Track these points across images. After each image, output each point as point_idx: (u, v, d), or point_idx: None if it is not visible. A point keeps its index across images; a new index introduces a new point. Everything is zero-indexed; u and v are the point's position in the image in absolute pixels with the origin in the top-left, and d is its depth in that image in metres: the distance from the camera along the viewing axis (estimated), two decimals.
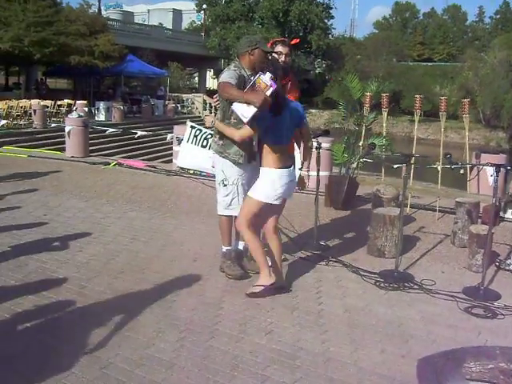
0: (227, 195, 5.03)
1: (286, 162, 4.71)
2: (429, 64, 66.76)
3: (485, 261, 5.17)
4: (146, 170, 11.24)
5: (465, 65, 53.39)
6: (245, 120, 4.49)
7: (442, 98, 8.27)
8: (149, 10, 79.17)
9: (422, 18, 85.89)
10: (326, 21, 54.83)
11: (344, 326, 4.31)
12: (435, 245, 6.67)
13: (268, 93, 4.39)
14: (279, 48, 5.22)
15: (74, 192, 8.73)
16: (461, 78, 52.72)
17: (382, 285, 5.20)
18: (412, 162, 5.61)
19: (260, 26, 51.99)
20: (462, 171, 8.11)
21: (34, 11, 26.73)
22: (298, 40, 6.20)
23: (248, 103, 4.41)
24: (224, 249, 5.30)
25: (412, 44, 76.09)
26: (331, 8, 55.32)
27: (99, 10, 41.03)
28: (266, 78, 4.41)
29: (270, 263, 4.84)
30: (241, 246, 5.36)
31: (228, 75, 4.79)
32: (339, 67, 56.26)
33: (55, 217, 7.13)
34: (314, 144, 6.18)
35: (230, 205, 5.05)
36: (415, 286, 5.18)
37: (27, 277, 4.99)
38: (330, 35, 58.27)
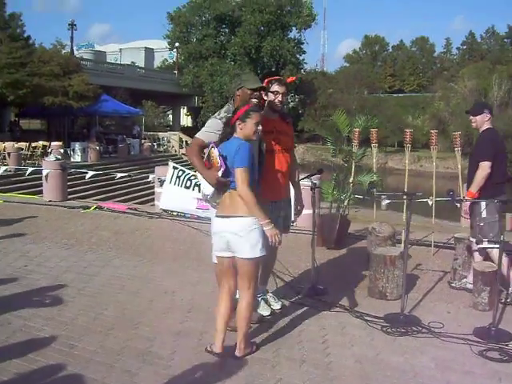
0: None
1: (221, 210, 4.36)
2: (400, 95, 67.89)
3: (495, 300, 4.95)
4: (128, 213, 10.90)
5: (436, 95, 54.41)
6: (205, 198, 4.44)
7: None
8: (121, 49, 79.53)
9: (391, 50, 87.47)
10: (297, 56, 55.52)
11: (356, 379, 4.04)
12: (436, 283, 6.45)
13: (219, 173, 4.17)
14: (275, 87, 5.03)
15: (55, 239, 8.35)
16: (432, 108, 53.68)
17: (389, 330, 4.93)
18: (408, 198, 5.39)
19: (233, 63, 52.33)
20: (457, 205, 8.00)
21: (7, 53, 26.45)
22: (294, 78, 6.04)
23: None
24: None
25: (383, 76, 77.35)
26: (302, 43, 56.12)
27: (72, 50, 40.95)
28: (216, 153, 4.20)
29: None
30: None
31: (208, 128, 4.66)
32: (312, 101, 56.83)
33: (36, 267, 6.76)
34: (309, 183, 5.98)
35: None
36: (424, 330, 4.93)
37: (11, 337, 4.61)
38: (302, 70, 58.93)
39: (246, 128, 4.27)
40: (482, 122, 5.92)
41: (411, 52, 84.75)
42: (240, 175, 4.10)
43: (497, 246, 5.51)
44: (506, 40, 79.52)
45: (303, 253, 7.27)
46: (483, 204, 5.67)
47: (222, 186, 4.23)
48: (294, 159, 5.39)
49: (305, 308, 5.49)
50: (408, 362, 4.30)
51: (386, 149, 48.08)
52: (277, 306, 5.33)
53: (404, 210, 8.00)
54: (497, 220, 5.72)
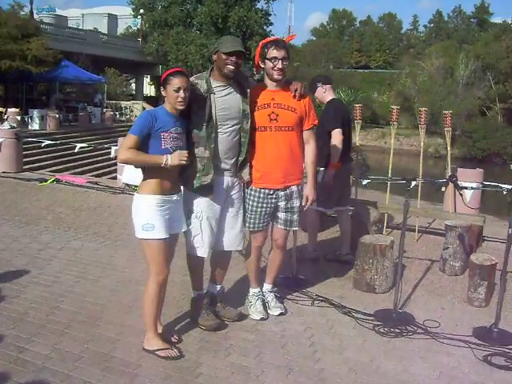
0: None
1: None
2: (366, 71, 67.58)
3: (500, 298, 4.47)
4: (88, 187, 10.15)
5: (403, 72, 54.20)
6: None
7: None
8: (83, 15, 76.87)
9: (358, 25, 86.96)
10: (265, 27, 54.44)
11: None
12: (424, 273, 5.99)
13: None
14: (272, 52, 4.23)
15: (7, 216, 7.60)
16: (398, 84, 53.49)
17: (381, 330, 4.43)
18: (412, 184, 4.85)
19: (198, 32, 51.01)
20: (443, 189, 7.54)
21: None
22: (294, 35, 5.16)
23: None
24: (194, 294, 4.41)
25: (349, 51, 76.85)
26: (270, 15, 54.88)
27: (31, 12, 39.03)
28: None
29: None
30: (216, 289, 4.48)
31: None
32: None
33: None
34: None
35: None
36: (419, 330, 4.44)
37: None
38: None
39: (168, 95, 3.80)
40: (322, 95, 6.01)
41: (378, 28, 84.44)
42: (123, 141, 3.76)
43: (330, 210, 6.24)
44: (472, 20, 79.84)
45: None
46: (321, 171, 5.80)
47: None
48: (310, 140, 4.48)
49: (287, 302, 4.94)
50: (408, 371, 3.80)
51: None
52: (275, 311, 4.62)
53: (388, 190, 7.49)
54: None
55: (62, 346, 3.90)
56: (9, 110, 22.50)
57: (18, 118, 21.50)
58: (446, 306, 5.08)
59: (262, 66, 4.33)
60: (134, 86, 58.17)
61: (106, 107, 35.04)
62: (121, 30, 73.17)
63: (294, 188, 4.42)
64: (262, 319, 4.48)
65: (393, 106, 7.62)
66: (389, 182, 7.23)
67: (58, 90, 33.87)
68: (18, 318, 4.34)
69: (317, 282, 5.48)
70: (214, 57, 4.05)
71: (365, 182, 7.77)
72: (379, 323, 4.52)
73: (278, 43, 4.28)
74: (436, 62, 50.19)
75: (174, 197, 3.90)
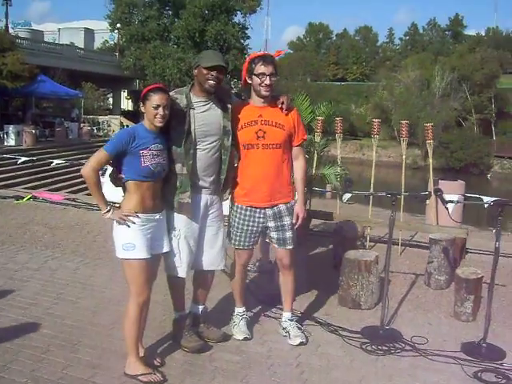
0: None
1: None
2: (343, 83, 68.14)
3: (488, 312, 4.41)
4: (66, 204, 9.95)
5: (380, 84, 54.74)
6: None
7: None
8: (59, 29, 76.48)
9: (335, 38, 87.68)
10: (242, 41, 54.59)
11: None
12: (409, 288, 5.92)
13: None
14: (260, 68, 4.09)
15: None
16: (376, 96, 54.00)
17: (369, 348, 4.34)
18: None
19: (176, 46, 50.96)
20: (427, 202, 7.51)
21: None
22: (282, 51, 5.02)
23: None
24: (176, 315, 4.28)
25: (326, 64, 77.40)
26: (247, 28, 55.11)
27: (6, 27, 38.71)
28: None
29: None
30: (199, 309, 4.35)
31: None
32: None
33: None
34: None
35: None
36: (407, 347, 4.36)
37: None
38: (246, 55, 58.04)
39: (147, 111, 3.72)
40: None
41: (355, 41, 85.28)
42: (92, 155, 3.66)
43: None
44: (446, 32, 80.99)
45: (257, 253, 6.57)
46: None
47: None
48: (299, 157, 4.35)
49: (268, 319, 4.85)
50: None
51: (333, 137, 47.84)
52: (295, 340, 4.33)
53: (370, 204, 7.43)
54: None
55: (39, 373, 3.74)
56: None
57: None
58: (433, 321, 5.01)
59: (250, 81, 4.21)
60: (111, 100, 57.89)
61: (83, 122, 34.79)
62: (98, 44, 72.96)
63: (283, 206, 4.30)
64: (245, 339, 4.37)
65: (374, 120, 7.58)
66: (371, 196, 7.17)
67: (34, 105, 33.51)
68: None
69: (300, 298, 5.37)
70: (195, 71, 3.95)
71: (345, 198, 7.68)
72: (366, 341, 4.43)
73: (266, 59, 4.15)
74: (412, 74, 50.81)
75: (157, 215, 3.79)
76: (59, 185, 17.71)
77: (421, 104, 47.13)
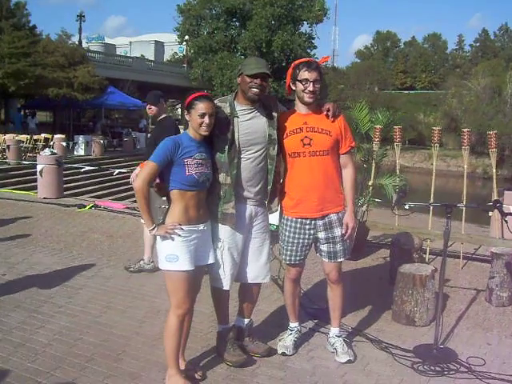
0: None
1: None
2: (411, 92, 66.82)
3: None
4: (126, 212, 10.08)
5: (448, 92, 53.34)
6: None
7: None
8: (131, 42, 78.87)
9: (403, 46, 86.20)
10: (308, 51, 54.48)
11: None
12: (469, 304, 5.61)
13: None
14: (304, 74, 3.97)
15: (42, 243, 7.57)
16: (445, 105, 52.61)
17: (421, 368, 4.10)
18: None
19: (243, 57, 51.38)
20: (490, 213, 7.16)
21: (8, 42, 25.55)
22: (327, 58, 4.86)
23: None
24: (219, 328, 4.19)
25: (394, 73, 76.14)
26: (313, 38, 55.00)
27: (80, 41, 40.16)
28: None
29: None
30: (244, 323, 4.25)
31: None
32: (323, 97, 55.77)
33: (15, 277, 6.00)
34: None
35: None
36: (462, 369, 4.10)
37: None
38: None
39: (192, 120, 3.66)
40: (160, 110, 6.21)
41: (423, 48, 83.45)
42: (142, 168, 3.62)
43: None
44: None
45: (316, 265, 6.42)
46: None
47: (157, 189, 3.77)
48: (348, 164, 4.19)
49: (317, 334, 4.69)
50: None
51: (397, 146, 47.00)
52: (342, 358, 4.15)
53: (430, 215, 7.14)
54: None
55: (81, 382, 3.73)
56: (55, 136, 22.91)
57: (64, 143, 21.83)
58: (493, 341, 4.70)
59: (293, 88, 4.10)
60: (179, 111, 58.97)
61: (151, 132, 35.46)
62: (167, 56, 74.57)
63: (334, 216, 4.14)
64: (283, 354, 4.23)
65: (434, 127, 7.30)
66: (431, 207, 6.89)
67: (103, 116, 34.49)
68: (40, 350, 4.22)
69: (353, 313, 5.18)
70: (238, 79, 3.87)
71: (399, 211, 7.40)
72: (418, 360, 4.20)
73: (310, 65, 4.01)
74: (483, 81, 49.22)
75: (201, 226, 3.72)
76: (123, 194, 18.01)
77: (492, 112, 45.55)
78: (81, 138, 25.10)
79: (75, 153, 24.45)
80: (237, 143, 3.81)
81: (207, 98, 3.68)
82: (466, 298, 5.80)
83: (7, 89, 26.09)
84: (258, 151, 3.90)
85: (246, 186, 3.91)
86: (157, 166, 3.55)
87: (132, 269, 6.30)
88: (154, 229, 3.58)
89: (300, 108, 4.10)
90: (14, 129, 26.50)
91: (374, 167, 7.16)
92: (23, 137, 21.95)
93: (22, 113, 34.21)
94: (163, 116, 6.21)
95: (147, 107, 6.27)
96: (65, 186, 12.96)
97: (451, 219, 4.33)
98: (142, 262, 6.35)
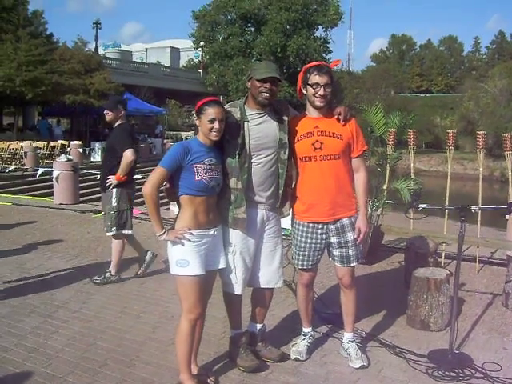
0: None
1: None
2: (427, 95, 66.49)
3: None
4: (141, 218, 10.12)
5: (465, 95, 52.96)
6: None
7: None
8: (147, 49, 79.45)
9: (418, 49, 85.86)
10: (324, 55, 54.39)
11: None
12: (485, 308, 5.54)
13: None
14: (315, 79, 3.94)
15: (57, 248, 7.63)
16: (461, 108, 52.23)
17: (435, 373, 4.05)
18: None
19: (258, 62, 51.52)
20: (507, 217, 7.08)
21: (25, 50, 25.85)
22: (339, 61, 4.82)
23: None
24: (232, 333, 4.18)
25: (410, 76, 75.91)
26: (329, 42, 54.96)
27: (96, 48, 40.53)
28: None
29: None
30: (256, 328, 4.23)
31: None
32: (338, 101, 55.67)
33: (31, 282, 6.04)
34: None
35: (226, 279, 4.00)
36: (478, 374, 4.04)
37: None
38: None
39: (202, 125, 3.67)
40: (117, 116, 6.20)
41: (439, 51, 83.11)
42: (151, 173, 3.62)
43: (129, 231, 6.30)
44: None
45: (330, 269, 6.37)
46: (114, 193, 6.11)
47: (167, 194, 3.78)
48: (360, 168, 4.16)
49: (330, 339, 4.65)
50: None
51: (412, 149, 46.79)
52: (356, 363, 4.12)
53: (445, 218, 7.07)
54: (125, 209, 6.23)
55: None
56: (71, 142, 23.08)
57: (80, 150, 21.98)
58: (509, 346, 4.63)
59: (304, 92, 4.08)
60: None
61: (167, 138, 35.63)
62: (183, 62, 74.93)
63: (346, 221, 4.11)
64: (296, 359, 4.20)
65: (449, 131, 7.23)
66: (447, 211, 6.82)
67: None
68: (53, 354, 4.24)
69: (368, 318, 5.14)
70: (248, 84, 3.86)
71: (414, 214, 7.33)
72: (433, 365, 4.15)
73: (321, 69, 3.99)
74: (499, 83, 48.79)
75: (212, 231, 3.71)
76: (138, 200, 18.03)
77: (509, 114, 45.10)
78: (97, 144, 25.27)
79: (92, 159, 24.62)
80: (247, 148, 3.80)
81: (217, 103, 3.69)
82: (482, 302, 5.73)
83: (24, 96, 26.35)
84: (268, 155, 3.89)
85: (257, 190, 3.90)
86: (166, 172, 3.55)
87: (98, 281, 6.10)
88: (163, 234, 3.57)
89: (311, 112, 4.08)
90: (40, 136, 26.73)
91: (388, 171, 7.11)
92: (40, 143, 22.15)
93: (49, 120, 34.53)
94: (119, 122, 6.23)
95: (104, 112, 6.28)
96: (81, 192, 13.05)
97: (466, 222, 4.29)
98: (108, 273, 6.20)
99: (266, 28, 50.61)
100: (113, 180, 6.08)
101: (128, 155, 6.02)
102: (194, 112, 3.85)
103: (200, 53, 58.56)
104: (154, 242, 8.11)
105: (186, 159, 3.57)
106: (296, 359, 4.20)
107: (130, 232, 6.36)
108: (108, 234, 6.26)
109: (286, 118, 3.98)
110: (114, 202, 6.13)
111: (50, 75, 26.07)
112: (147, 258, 6.44)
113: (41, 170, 14.94)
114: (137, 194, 17.73)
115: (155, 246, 7.87)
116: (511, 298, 5.50)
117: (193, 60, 69.62)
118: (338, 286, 4.50)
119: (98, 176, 12.13)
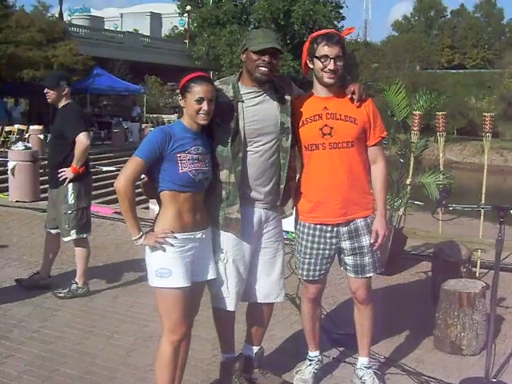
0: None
1: None
2: (460, 71, 66.65)
3: None
4: (115, 218, 10.15)
5: (505, 71, 53.15)
6: None
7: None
8: (122, 14, 79.47)
9: (449, 16, 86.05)
10: (335, 22, 54.39)
11: None
12: None
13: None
14: (323, 50, 3.91)
15: (13, 255, 7.70)
16: (501, 87, 52.42)
17: None
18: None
19: None
20: None
21: None
22: (352, 29, 4.80)
23: None
24: (223, 357, 4.19)
25: (439, 48, 76.01)
26: (341, 7, 54.96)
27: (60, 14, 40.42)
28: None
29: None
30: (253, 351, 4.24)
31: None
32: (353, 77, 55.80)
33: None
34: None
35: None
36: None
37: None
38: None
39: (187, 106, 3.66)
40: (60, 95, 6.14)
41: (474, 19, 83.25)
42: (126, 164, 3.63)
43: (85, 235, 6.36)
44: None
45: (342, 280, 6.40)
46: (70, 189, 6.06)
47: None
48: (378, 159, 4.16)
49: (342, 365, 4.68)
50: None
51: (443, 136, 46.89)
52: None
53: (481, 220, 7.09)
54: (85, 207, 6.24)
55: None
56: (31, 127, 23.05)
57: (41, 136, 21.94)
58: None
59: (311, 66, 4.07)
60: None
61: (146, 122, 35.64)
62: (165, 30, 74.88)
63: (361, 222, 4.12)
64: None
65: (486, 114, 7.24)
66: (482, 210, 6.85)
67: (88, 103, 34.61)
68: (7, 383, 4.24)
69: (387, 339, 5.16)
70: (243, 56, 3.86)
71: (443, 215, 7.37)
72: None
73: (331, 38, 3.95)
74: None
75: (199, 234, 3.71)
76: (112, 197, 18.03)
77: None
78: None
79: None
80: (242, 133, 3.80)
81: (206, 79, 3.69)
82: None
83: None
84: (267, 143, 3.89)
85: (254, 185, 3.90)
86: (143, 162, 3.54)
87: (62, 294, 6.10)
88: (140, 237, 3.57)
89: (319, 90, 4.07)
90: None
91: (412, 162, 7.14)
92: None
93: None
94: (65, 102, 6.18)
95: (45, 91, 6.16)
96: (42, 187, 13.01)
97: (506, 225, 4.30)
98: (74, 285, 6.20)
99: None
100: (68, 173, 6.01)
101: (83, 140, 5.97)
102: (178, 91, 3.84)
103: (186, 19, 58.61)
104: (130, 247, 8.16)
105: (167, 147, 3.56)
106: None
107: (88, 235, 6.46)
108: (66, 239, 6.26)
109: (288, 97, 3.98)
110: (70, 200, 6.08)
111: (5, 46, 26.06)
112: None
113: None
114: (109, 189, 17.91)
115: (131, 252, 7.92)
116: None
117: (177, 28, 69.69)
118: (351, 302, 4.53)
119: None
